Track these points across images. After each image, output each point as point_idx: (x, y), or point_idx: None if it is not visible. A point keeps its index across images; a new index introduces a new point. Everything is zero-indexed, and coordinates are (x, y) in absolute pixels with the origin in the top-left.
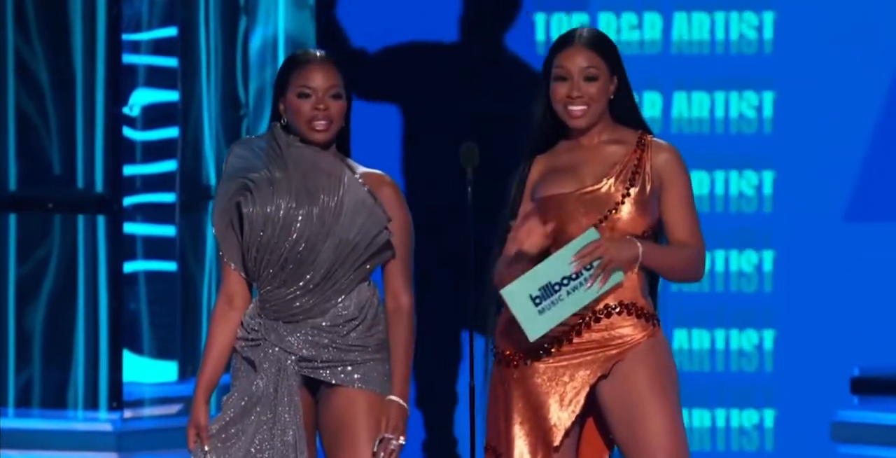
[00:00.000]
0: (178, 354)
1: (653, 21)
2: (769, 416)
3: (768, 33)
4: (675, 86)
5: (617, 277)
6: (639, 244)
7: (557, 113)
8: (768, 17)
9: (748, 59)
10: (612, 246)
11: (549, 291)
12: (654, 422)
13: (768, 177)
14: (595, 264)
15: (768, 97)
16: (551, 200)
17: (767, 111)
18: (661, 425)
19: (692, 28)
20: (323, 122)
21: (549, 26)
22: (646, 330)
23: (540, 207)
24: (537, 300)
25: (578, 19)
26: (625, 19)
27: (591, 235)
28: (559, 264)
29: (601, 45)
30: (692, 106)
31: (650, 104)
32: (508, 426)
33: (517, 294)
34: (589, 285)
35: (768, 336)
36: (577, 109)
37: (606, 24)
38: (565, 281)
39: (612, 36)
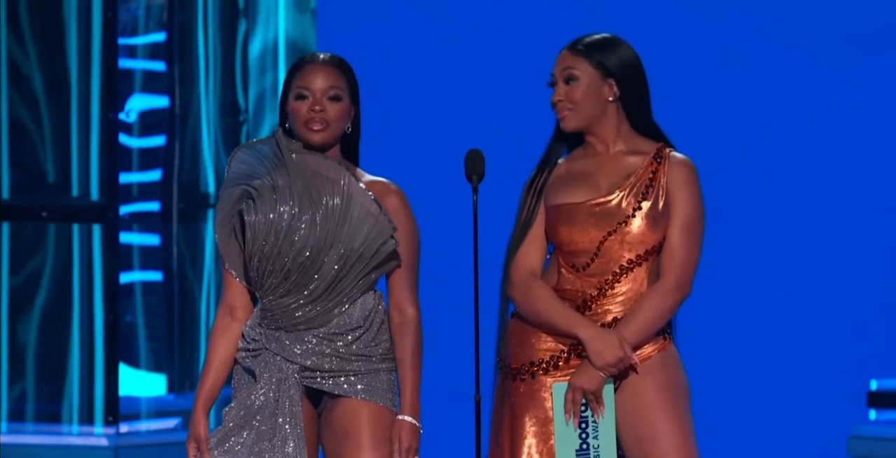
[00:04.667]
0: (175, 367)
1: None
2: None
3: None
4: None
5: (608, 390)
6: (617, 343)
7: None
8: None
9: None
10: (582, 379)
11: (582, 452)
12: (664, 440)
13: None
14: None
15: None
16: (562, 209)
17: None
18: (673, 443)
19: None
20: (318, 123)
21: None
22: (656, 343)
23: (551, 215)
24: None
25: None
26: None
27: (559, 390)
28: (567, 434)
29: (592, 48)
30: None
31: None
32: (515, 442)
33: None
34: (596, 417)
35: None
36: (559, 111)
37: None
38: (583, 435)
39: None
